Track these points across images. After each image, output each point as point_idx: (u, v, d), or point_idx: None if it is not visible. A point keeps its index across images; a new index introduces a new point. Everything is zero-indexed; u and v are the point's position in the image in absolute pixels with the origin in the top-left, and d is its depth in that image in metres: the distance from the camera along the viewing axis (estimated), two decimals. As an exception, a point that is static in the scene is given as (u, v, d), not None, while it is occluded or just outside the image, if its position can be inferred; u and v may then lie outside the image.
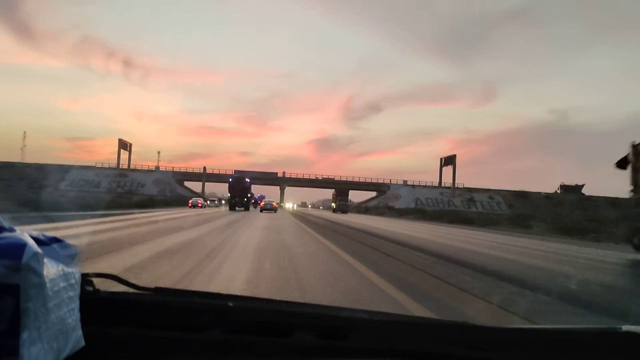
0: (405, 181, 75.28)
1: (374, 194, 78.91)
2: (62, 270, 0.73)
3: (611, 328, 0.95)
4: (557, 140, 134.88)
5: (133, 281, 0.97)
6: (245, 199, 38.95)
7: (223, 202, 61.39)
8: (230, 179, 43.35)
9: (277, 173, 78.92)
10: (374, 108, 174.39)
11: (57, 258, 0.74)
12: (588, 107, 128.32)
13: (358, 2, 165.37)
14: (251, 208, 44.17)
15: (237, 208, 36.99)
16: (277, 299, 1.06)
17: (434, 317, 1.35)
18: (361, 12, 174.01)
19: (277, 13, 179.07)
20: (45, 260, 0.69)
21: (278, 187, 79.45)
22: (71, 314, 0.73)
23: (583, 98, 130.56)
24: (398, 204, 62.56)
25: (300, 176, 79.90)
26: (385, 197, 71.28)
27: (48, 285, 0.69)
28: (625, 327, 0.93)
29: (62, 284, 0.73)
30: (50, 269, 0.71)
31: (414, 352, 0.89)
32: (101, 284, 0.95)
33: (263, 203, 42.77)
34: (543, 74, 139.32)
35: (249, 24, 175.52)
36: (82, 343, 0.74)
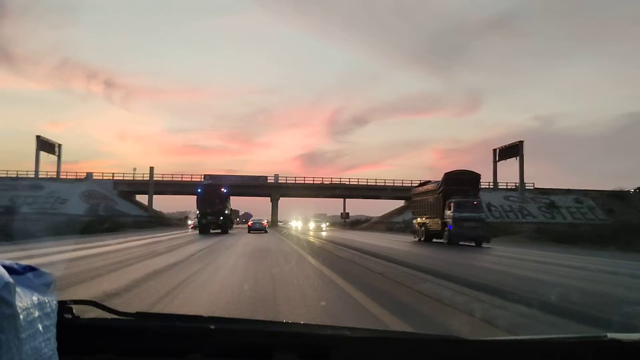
0: (450, 183, 57.63)
1: (401, 202, 70.58)
2: (37, 299, 0.81)
3: (596, 336, 1.06)
4: (542, 145, 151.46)
5: (114, 307, 1.06)
6: (222, 217, 33.34)
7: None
8: (199, 189, 36.38)
9: (266, 177, 70.04)
10: (360, 121, 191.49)
11: (31, 287, 0.82)
12: (571, 112, 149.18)
13: (339, 17, 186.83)
14: (232, 230, 40.47)
15: (211, 230, 32.22)
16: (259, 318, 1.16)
17: (418, 332, 1.40)
18: (343, 26, 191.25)
19: (259, 30, 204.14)
20: (18, 289, 0.76)
21: (269, 199, 70.65)
22: (47, 344, 0.81)
23: (566, 104, 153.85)
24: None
25: (300, 181, 71.27)
26: None
27: (21, 315, 0.75)
28: (610, 335, 1.04)
29: (36, 314, 0.80)
30: (24, 298, 0.78)
31: None
32: (82, 311, 1.04)
33: (251, 223, 41.84)
34: (525, 82, 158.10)
35: (231, 41, 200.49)
36: None
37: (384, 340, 1.10)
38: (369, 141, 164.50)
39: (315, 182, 66.67)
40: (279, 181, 66.19)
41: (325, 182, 66.97)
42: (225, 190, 35.10)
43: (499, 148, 65.04)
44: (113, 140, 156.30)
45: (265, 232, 36.72)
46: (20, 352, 0.73)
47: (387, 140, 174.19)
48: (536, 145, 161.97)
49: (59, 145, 62.75)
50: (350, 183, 66.26)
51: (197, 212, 33.32)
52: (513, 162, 62.67)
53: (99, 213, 49.00)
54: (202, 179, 65.87)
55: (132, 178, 62.22)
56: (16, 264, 0.83)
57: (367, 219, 76.86)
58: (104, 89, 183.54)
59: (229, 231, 34.39)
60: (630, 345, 1.03)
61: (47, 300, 0.84)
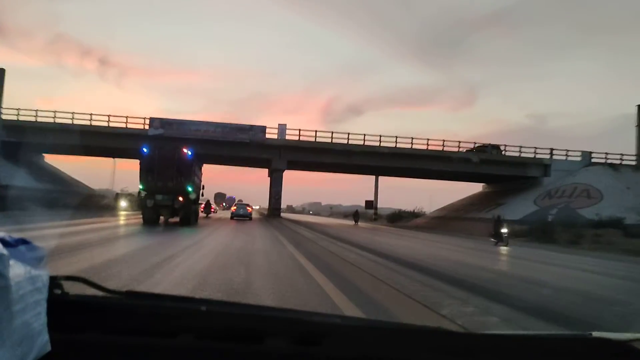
0: (586, 154, 48.53)
1: (478, 186, 55.78)
2: (29, 272, 0.92)
3: (582, 334, 1.27)
4: (535, 141, 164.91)
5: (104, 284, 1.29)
6: (182, 197, 25.08)
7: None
8: (144, 148, 25.54)
9: (264, 129, 46.54)
10: (355, 111, 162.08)
11: (23, 260, 0.93)
12: (566, 111, 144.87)
13: (341, 5, 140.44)
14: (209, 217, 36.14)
15: (168, 219, 25.64)
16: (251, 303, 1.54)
17: (409, 323, 1.46)
18: (343, 15, 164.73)
19: (258, 13, 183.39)
20: (11, 262, 0.87)
21: (266, 172, 51.96)
22: (37, 319, 0.92)
23: (561, 102, 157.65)
24: (599, 210, 37.73)
25: (324, 139, 47.74)
26: (549, 192, 44.39)
27: (13, 288, 0.85)
28: (596, 334, 1.22)
29: (28, 287, 0.90)
30: (16, 271, 0.88)
31: (388, 359, 1.14)
32: (71, 287, 1.19)
33: (235, 207, 41.70)
34: (522, 79, 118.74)
35: (229, 23, 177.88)
36: (48, 348, 0.93)
37: (374, 330, 1.29)
38: (363, 131, 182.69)
39: (351, 140, 48.27)
40: (287, 137, 48.09)
41: (369, 142, 48.28)
42: (189, 153, 25.54)
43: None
44: (104, 117, 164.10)
45: (250, 219, 40.09)
46: (11, 326, 0.82)
47: (382, 131, 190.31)
48: (530, 140, 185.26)
49: None
50: (430, 149, 48.72)
51: (140, 186, 25.19)
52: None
53: None
54: (147, 126, 38.96)
55: (15, 118, 43.91)
56: (9, 236, 0.95)
57: (416, 214, 63.88)
58: (98, 66, 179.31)
59: (197, 221, 28.73)
60: (614, 344, 1.20)
61: (38, 274, 0.94)
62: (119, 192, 51.18)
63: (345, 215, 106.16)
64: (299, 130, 49.13)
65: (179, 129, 43.90)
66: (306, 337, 1.15)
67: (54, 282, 1.10)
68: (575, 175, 46.84)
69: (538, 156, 49.48)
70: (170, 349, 1.08)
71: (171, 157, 25.67)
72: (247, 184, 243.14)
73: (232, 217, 39.78)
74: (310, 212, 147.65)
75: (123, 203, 44.48)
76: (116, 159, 58.21)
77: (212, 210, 60.16)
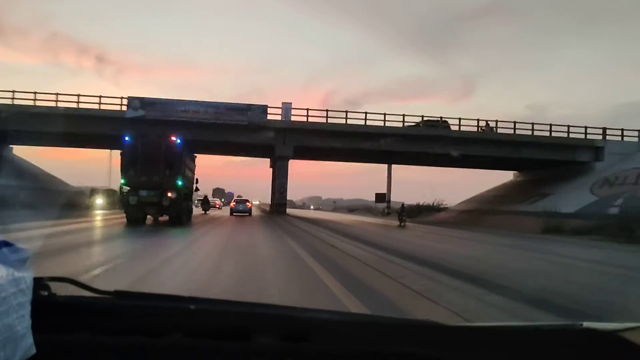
0: (643, 133, 57.29)
1: (509, 174, 49.99)
2: (12, 275, 0.96)
3: (572, 324, 1.30)
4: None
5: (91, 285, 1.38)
6: (171, 192, 22.54)
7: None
8: (126, 137, 23.19)
9: (266, 108, 39.68)
10: (353, 103, 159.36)
11: (6, 262, 0.97)
12: (566, 101, 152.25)
13: None
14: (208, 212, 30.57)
15: (158, 217, 23.63)
16: (239, 300, 1.41)
17: (397, 317, 1.63)
18: (340, 8, 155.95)
19: (255, 8, 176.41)
20: None
21: (268, 162, 47.80)
22: (20, 321, 0.95)
23: (560, 93, 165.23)
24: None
25: (332, 120, 40.95)
26: (606, 179, 38.38)
27: None
28: (586, 324, 1.26)
29: (10, 290, 0.94)
30: None
31: (377, 353, 1.18)
32: (58, 289, 1.22)
33: (234, 203, 43.12)
34: (522, 70, 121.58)
35: (226, 18, 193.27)
36: (33, 351, 0.98)
37: (363, 325, 1.33)
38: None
39: (368, 121, 41.03)
40: (292, 118, 41.13)
41: (390, 124, 41.36)
42: (178, 141, 23.06)
43: None
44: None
45: (250, 215, 42.17)
46: None
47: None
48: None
49: None
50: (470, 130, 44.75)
51: (122, 181, 23.06)
52: None
53: None
54: (124, 107, 31.98)
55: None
56: None
57: (437, 207, 57.19)
58: (95, 64, 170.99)
59: (191, 219, 26.97)
60: (604, 334, 1.25)
61: (22, 276, 0.97)
62: (94, 187, 44.85)
63: (349, 209, 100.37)
64: (307, 109, 42.59)
65: (162, 110, 37.85)
66: (295, 333, 1.17)
67: (40, 283, 1.11)
68: (635, 159, 40.35)
69: (585, 132, 41.52)
70: (159, 348, 1.11)
71: (157, 147, 23.41)
72: (248, 178, 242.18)
73: (231, 213, 41.06)
74: (320, 207, 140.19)
75: (99, 200, 41.19)
76: (112, 151, 50.67)
77: (217, 206, 54.91)
